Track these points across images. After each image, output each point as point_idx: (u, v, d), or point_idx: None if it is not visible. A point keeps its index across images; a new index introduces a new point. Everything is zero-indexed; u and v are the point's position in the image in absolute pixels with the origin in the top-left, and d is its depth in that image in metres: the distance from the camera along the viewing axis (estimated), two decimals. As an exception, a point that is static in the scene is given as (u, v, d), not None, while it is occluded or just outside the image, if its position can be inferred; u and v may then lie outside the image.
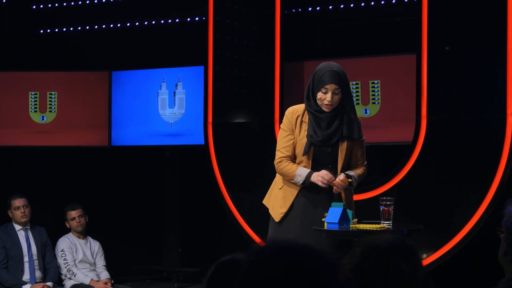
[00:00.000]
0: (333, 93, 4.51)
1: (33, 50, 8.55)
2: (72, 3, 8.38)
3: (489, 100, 6.00)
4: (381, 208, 4.42)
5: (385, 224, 4.37)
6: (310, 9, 7.31)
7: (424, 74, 6.18)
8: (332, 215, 4.31)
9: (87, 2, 8.34)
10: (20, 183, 7.88)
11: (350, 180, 4.50)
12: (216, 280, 2.05)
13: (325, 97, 4.51)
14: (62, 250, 6.83)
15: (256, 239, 6.77)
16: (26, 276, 6.67)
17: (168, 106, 7.86)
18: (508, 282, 2.52)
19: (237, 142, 7.04)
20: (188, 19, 7.98)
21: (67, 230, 7.00)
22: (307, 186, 4.57)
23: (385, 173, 6.42)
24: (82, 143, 8.04)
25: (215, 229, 7.91)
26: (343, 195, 4.61)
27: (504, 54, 5.90)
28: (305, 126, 4.63)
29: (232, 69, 7.04)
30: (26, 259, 6.71)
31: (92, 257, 6.95)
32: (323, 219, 4.40)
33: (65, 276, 6.80)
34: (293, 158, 4.66)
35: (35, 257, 6.74)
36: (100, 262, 6.98)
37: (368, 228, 4.29)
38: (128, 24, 8.26)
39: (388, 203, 4.40)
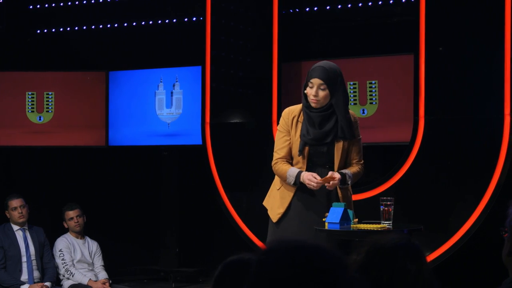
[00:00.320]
0: (319, 88, 4.52)
1: (30, 50, 8.53)
2: (69, 3, 8.37)
3: (486, 100, 6.01)
4: (382, 208, 4.42)
5: (386, 224, 4.38)
6: (307, 9, 7.32)
7: (422, 75, 6.19)
8: (333, 215, 4.32)
9: (84, 2, 8.33)
10: (17, 183, 7.88)
11: (335, 177, 4.45)
12: (223, 280, 2.05)
13: (311, 92, 4.53)
14: (60, 250, 6.83)
15: (254, 239, 6.78)
16: (24, 276, 6.66)
17: (165, 106, 7.85)
18: (512, 282, 2.53)
19: (235, 142, 7.04)
20: (186, 19, 7.98)
21: (65, 230, 7.00)
22: (304, 187, 4.58)
23: (383, 173, 6.43)
24: (79, 143, 8.04)
25: (213, 229, 7.92)
26: (340, 194, 4.62)
27: (502, 54, 5.91)
28: (300, 126, 4.65)
29: (230, 69, 7.04)
30: (24, 259, 6.70)
31: (90, 257, 6.95)
32: (324, 219, 4.41)
33: (63, 276, 6.80)
34: (289, 159, 4.67)
35: (33, 257, 6.74)
36: (98, 262, 6.98)
37: (369, 228, 4.30)
38: (125, 24, 8.25)
39: (389, 203, 4.41)
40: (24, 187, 7.55)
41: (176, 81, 7.81)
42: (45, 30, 8.57)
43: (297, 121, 4.65)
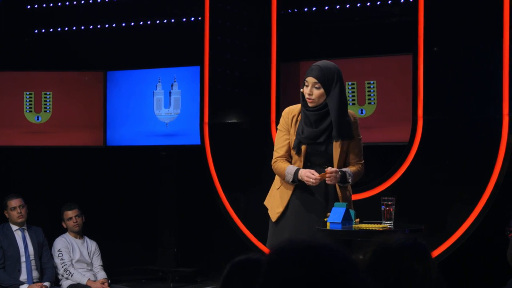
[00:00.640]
0: (313, 87, 4.54)
1: (28, 50, 8.53)
2: (67, 3, 8.37)
3: (485, 100, 6.02)
4: (383, 208, 4.43)
5: (387, 224, 4.39)
6: (306, 9, 7.33)
7: (420, 75, 6.20)
8: (335, 215, 4.32)
9: (82, 1, 8.33)
10: (15, 183, 7.86)
11: (332, 170, 4.46)
12: (231, 280, 2.06)
13: (306, 91, 4.55)
14: (59, 250, 6.83)
15: (252, 239, 6.79)
16: (23, 276, 6.66)
17: (163, 106, 7.85)
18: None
19: (233, 142, 7.05)
20: (184, 19, 7.98)
21: (63, 230, 6.99)
22: (302, 186, 4.58)
23: (382, 174, 6.44)
24: (77, 143, 8.03)
25: (211, 229, 7.92)
26: (340, 194, 4.62)
27: (500, 54, 5.92)
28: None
29: (228, 69, 7.04)
30: (23, 259, 6.69)
31: (89, 257, 6.95)
32: (325, 219, 4.41)
33: (62, 276, 6.79)
34: (289, 158, 4.69)
35: (32, 257, 6.73)
36: (97, 262, 6.98)
37: (371, 228, 4.31)
38: (123, 24, 8.25)
39: (390, 203, 4.41)
40: (22, 187, 7.54)
41: (175, 81, 7.81)
42: (43, 30, 8.57)
43: (296, 120, 4.67)
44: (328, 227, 4.32)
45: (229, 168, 7.02)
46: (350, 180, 4.60)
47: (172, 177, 8.12)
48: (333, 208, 4.42)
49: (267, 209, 4.80)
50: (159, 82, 7.87)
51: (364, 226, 4.37)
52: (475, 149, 6.03)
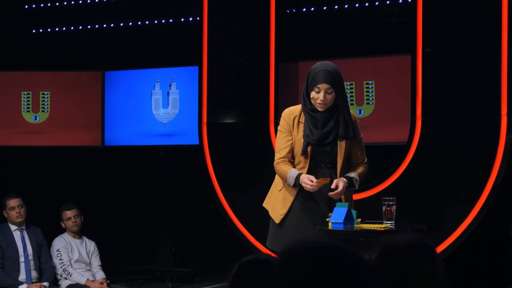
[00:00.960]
0: (326, 93, 4.55)
1: (25, 49, 8.51)
2: (65, 3, 8.36)
3: (483, 101, 6.03)
4: (384, 208, 4.44)
5: (389, 224, 4.40)
6: (304, 9, 7.33)
7: (419, 75, 6.20)
8: (337, 215, 4.33)
9: (80, 1, 8.32)
10: (13, 184, 7.85)
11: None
12: (240, 280, 2.07)
13: (318, 97, 4.55)
14: (57, 250, 6.82)
15: (250, 238, 6.79)
16: (22, 276, 6.65)
17: (161, 106, 7.85)
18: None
19: (232, 142, 7.05)
20: (182, 19, 7.98)
21: (62, 230, 6.99)
22: None
23: (380, 174, 6.44)
24: (75, 143, 8.02)
25: (209, 229, 7.92)
26: (342, 196, 4.63)
27: (498, 55, 5.93)
28: (302, 127, 4.66)
29: (227, 69, 7.04)
30: (22, 259, 6.69)
31: (88, 257, 6.94)
32: (327, 219, 4.42)
33: (61, 276, 6.79)
34: (291, 159, 4.69)
35: (30, 257, 6.73)
36: (96, 262, 6.98)
37: (373, 228, 4.32)
38: (121, 24, 8.25)
39: (391, 203, 4.42)
40: (20, 187, 7.53)
41: (173, 81, 7.81)
42: (41, 30, 8.56)
43: (299, 121, 4.67)
44: (330, 227, 4.33)
45: (227, 168, 7.02)
46: (357, 185, 4.64)
47: (170, 177, 8.12)
48: (335, 208, 4.43)
49: (267, 211, 4.80)
50: (157, 82, 7.87)
51: (365, 226, 4.38)
52: (474, 149, 6.04)
